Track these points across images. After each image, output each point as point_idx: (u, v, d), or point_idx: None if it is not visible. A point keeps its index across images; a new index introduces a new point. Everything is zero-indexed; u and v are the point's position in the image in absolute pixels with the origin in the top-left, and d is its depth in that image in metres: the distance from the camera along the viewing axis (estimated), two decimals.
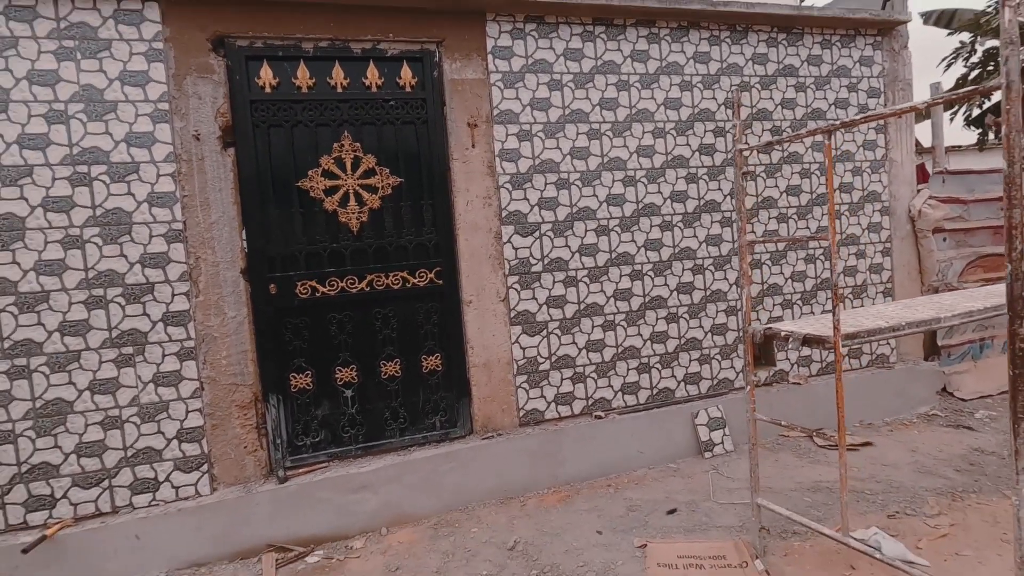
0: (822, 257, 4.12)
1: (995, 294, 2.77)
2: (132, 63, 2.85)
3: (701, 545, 2.68)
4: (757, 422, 2.52)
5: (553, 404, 3.56)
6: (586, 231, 3.60)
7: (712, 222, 3.86)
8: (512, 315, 3.47)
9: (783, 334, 2.27)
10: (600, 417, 3.59)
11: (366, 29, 3.19)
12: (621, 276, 3.68)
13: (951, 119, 9.76)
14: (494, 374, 3.45)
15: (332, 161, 3.20)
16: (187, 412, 2.94)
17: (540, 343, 3.53)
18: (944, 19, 9.30)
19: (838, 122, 1.98)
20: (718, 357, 3.90)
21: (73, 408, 2.79)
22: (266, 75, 3.09)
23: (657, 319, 3.76)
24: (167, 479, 2.92)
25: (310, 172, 3.16)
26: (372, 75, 3.25)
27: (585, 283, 3.61)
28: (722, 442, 3.71)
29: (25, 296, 2.72)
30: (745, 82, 3.90)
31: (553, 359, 3.56)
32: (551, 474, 3.42)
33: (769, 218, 3.99)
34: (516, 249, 3.47)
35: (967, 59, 8.60)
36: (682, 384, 3.83)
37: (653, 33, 3.70)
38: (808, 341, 2.18)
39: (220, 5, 2.95)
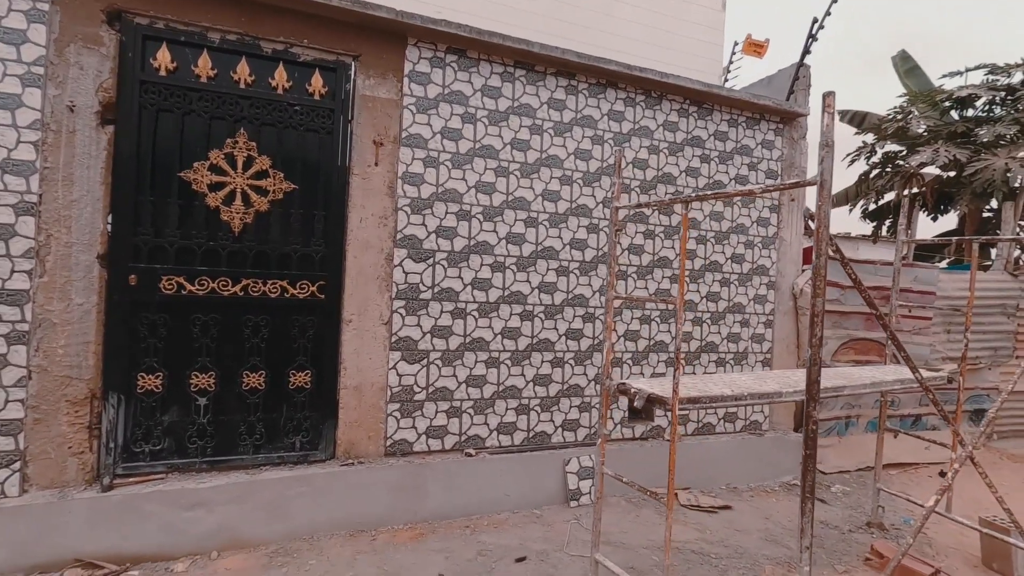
0: (709, 320, 4.29)
1: (842, 376, 2.95)
2: (9, 19, 2.65)
3: None
4: (607, 477, 2.53)
5: (424, 436, 3.47)
6: (482, 265, 3.59)
7: (608, 273, 3.94)
8: (393, 340, 3.38)
9: (632, 391, 2.32)
10: (471, 455, 3.52)
11: (281, 31, 3.12)
12: (512, 314, 3.68)
13: (849, 211, 10.64)
14: (365, 398, 3.33)
15: (222, 156, 3.06)
16: (6, 402, 2.65)
17: (419, 372, 3.45)
18: (857, 119, 10.22)
19: (693, 195, 2.07)
20: (598, 406, 3.94)
21: None
22: (163, 58, 2.95)
23: (543, 361, 3.78)
24: None
25: (196, 164, 3.01)
26: (280, 77, 3.17)
27: (474, 316, 3.58)
28: (589, 492, 3.72)
29: None
30: (655, 145, 4.08)
31: (430, 390, 3.48)
32: (410, 509, 3.30)
33: (663, 277, 4.13)
34: (407, 273, 3.42)
35: (868, 158, 9.46)
36: (559, 429, 3.83)
37: (572, 85, 3.82)
38: (652, 400, 2.22)
39: None
